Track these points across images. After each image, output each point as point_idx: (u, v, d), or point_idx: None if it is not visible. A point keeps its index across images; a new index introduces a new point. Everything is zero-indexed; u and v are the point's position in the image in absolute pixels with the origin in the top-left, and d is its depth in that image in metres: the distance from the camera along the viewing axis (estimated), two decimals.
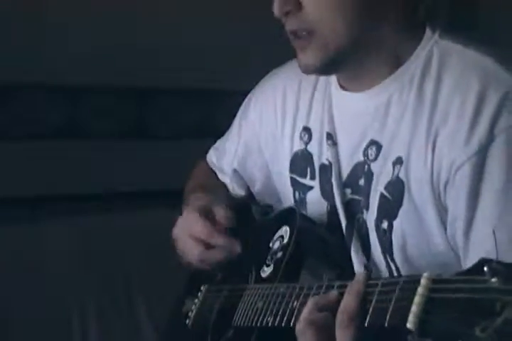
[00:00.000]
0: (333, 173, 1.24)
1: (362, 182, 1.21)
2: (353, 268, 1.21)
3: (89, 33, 2.41)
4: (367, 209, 1.19)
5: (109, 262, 2.33)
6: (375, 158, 1.19)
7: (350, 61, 1.19)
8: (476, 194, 1.06)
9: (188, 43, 2.56)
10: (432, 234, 1.12)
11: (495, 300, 0.70)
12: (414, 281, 0.82)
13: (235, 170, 1.48)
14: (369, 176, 1.19)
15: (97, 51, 2.41)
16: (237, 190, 1.49)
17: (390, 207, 1.15)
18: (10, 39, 2.32)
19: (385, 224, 1.16)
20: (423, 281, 0.81)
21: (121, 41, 2.45)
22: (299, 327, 0.97)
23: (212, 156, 1.56)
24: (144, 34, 2.49)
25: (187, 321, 1.42)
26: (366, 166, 1.20)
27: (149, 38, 2.49)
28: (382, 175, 1.17)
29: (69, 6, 2.41)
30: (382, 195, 1.16)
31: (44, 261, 2.27)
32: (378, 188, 1.17)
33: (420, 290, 0.80)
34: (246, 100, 1.48)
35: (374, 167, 1.19)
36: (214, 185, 1.51)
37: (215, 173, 1.54)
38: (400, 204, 1.14)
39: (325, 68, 1.18)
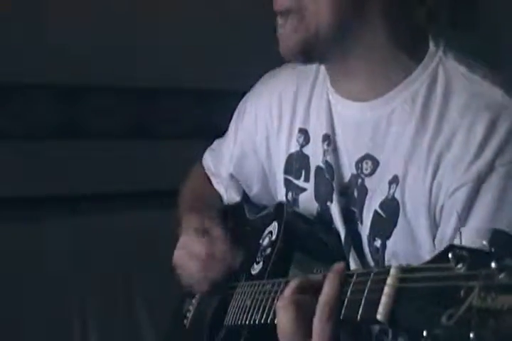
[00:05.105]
0: (335, 178, 1.23)
1: (356, 194, 1.19)
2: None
3: (89, 33, 2.41)
4: (361, 222, 1.18)
5: (109, 262, 2.34)
6: (371, 174, 1.17)
7: (333, 54, 1.16)
8: (465, 218, 1.05)
9: (188, 43, 2.56)
10: (424, 253, 1.10)
11: (460, 287, 0.70)
12: (384, 272, 0.83)
13: (231, 175, 1.46)
14: (362, 191, 1.18)
15: (97, 51, 2.42)
16: (233, 196, 1.48)
17: (383, 226, 1.14)
18: (10, 39, 2.32)
19: (378, 242, 1.15)
20: (392, 271, 0.81)
21: (121, 41, 2.45)
22: (280, 303, 0.96)
23: (208, 160, 1.54)
24: (144, 34, 2.49)
25: (185, 321, 1.42)
26: (360, 180, 1.18)
27: (149, 38, 2.49)
28: (377, 192, 1.15)
29: (69, 6, 2.41)
30: (376, 213, 1.15)
31: (44, 261, 2.27)
32: (372, 205, 1.16)
33: (389, 280, 0.81)
34: (241, 103, 1.46)
35: (368, 182, 1.17)
36: (207, 200, 1.49)
37: (210, 180, 1.53)
38: (394, 224, 1.13)
39: (304, 54, 1.15)
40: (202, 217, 1.38)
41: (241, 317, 1.17)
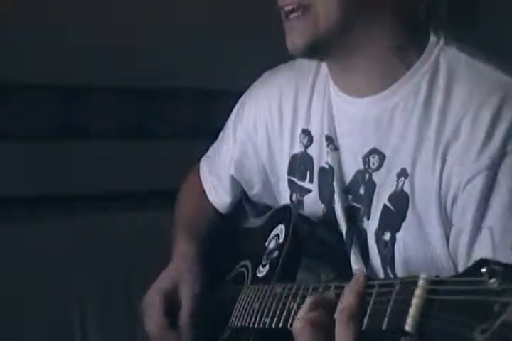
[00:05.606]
0: (335, 178, 1.22)
1: (362, 190, 1.19)
2: (351, 269, 1.20)
3: (89, 33, 2.41)
4: (368, 218, 1.18)
5: (108, 262, 2.33)
6: (378, 168, 1.17)
7: (338, 49, 1.16)
8: (484, 208, 1.04)
9: (188, 43, 2.56)
10: (434, 247, 1.10)
11: (493, 301, 0.70)
12: (411, 282, 0.82)
13: (232, 177, 1.45)
14: (370, 186, 1.18)
15: (97, 51, 2.41)
16: (228, 206, 1.48)
17: (393, 219, 1.14)
18: (10, 39, 2.32)
19: (387, 236, 1.15)
20: (420, 282, 0.80)
21: (122, 41, 2.45)
22: (296, 326, 0.95)
23: (205, 170, 1.53)
24: (144, 34, 2.48)
25: None
26: (367, 175, 1.18)
27: (149, 38, 2.49)
28: (385, 185, 1.15)
29: (69, 6, 2.41)
30: (385, 206, 1.15)
31: (44, 261, 2.27)
32: (381, 199, 1.16)
33: (418, 291, 0.80)
34: (239, 103, 1.46)
35: (376, 177, 1.17)
36: (201, 219, 1.49)
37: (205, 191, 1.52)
38: (403, 216, 1.13)
39: (310, 50, 1.16)
40: (180, 270, 1.37)
41: (248, 320, 1.17)
